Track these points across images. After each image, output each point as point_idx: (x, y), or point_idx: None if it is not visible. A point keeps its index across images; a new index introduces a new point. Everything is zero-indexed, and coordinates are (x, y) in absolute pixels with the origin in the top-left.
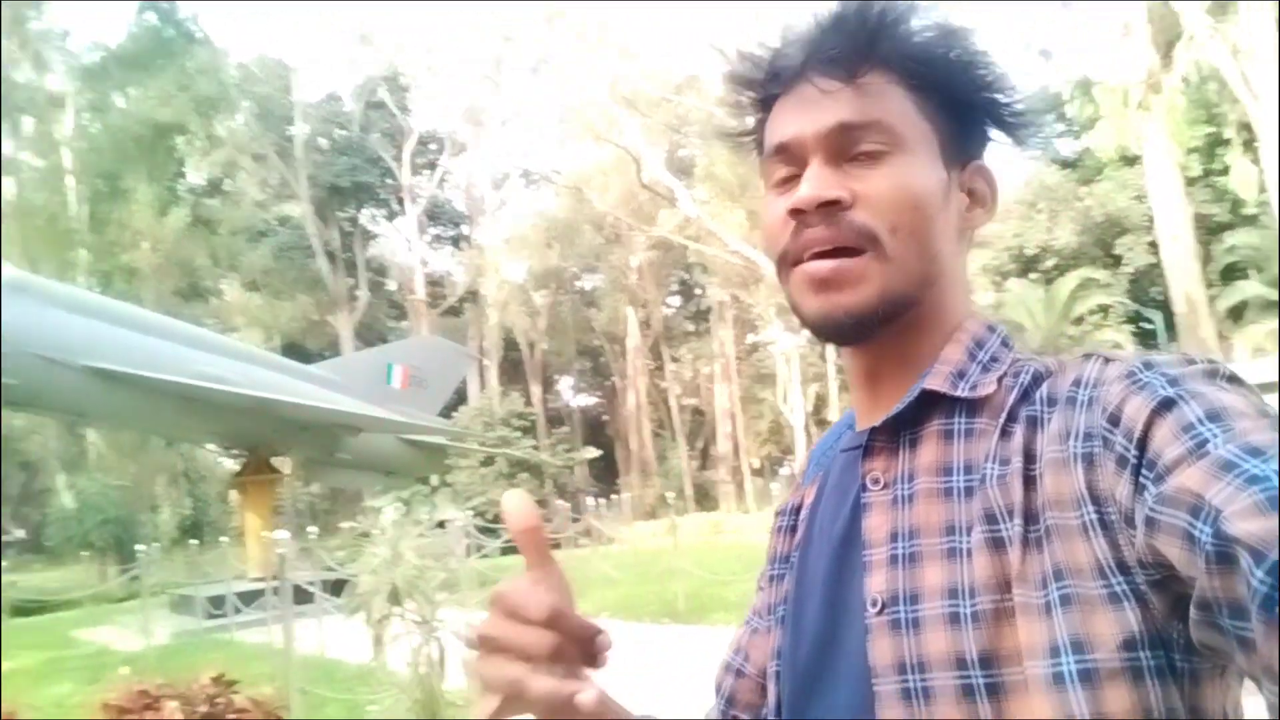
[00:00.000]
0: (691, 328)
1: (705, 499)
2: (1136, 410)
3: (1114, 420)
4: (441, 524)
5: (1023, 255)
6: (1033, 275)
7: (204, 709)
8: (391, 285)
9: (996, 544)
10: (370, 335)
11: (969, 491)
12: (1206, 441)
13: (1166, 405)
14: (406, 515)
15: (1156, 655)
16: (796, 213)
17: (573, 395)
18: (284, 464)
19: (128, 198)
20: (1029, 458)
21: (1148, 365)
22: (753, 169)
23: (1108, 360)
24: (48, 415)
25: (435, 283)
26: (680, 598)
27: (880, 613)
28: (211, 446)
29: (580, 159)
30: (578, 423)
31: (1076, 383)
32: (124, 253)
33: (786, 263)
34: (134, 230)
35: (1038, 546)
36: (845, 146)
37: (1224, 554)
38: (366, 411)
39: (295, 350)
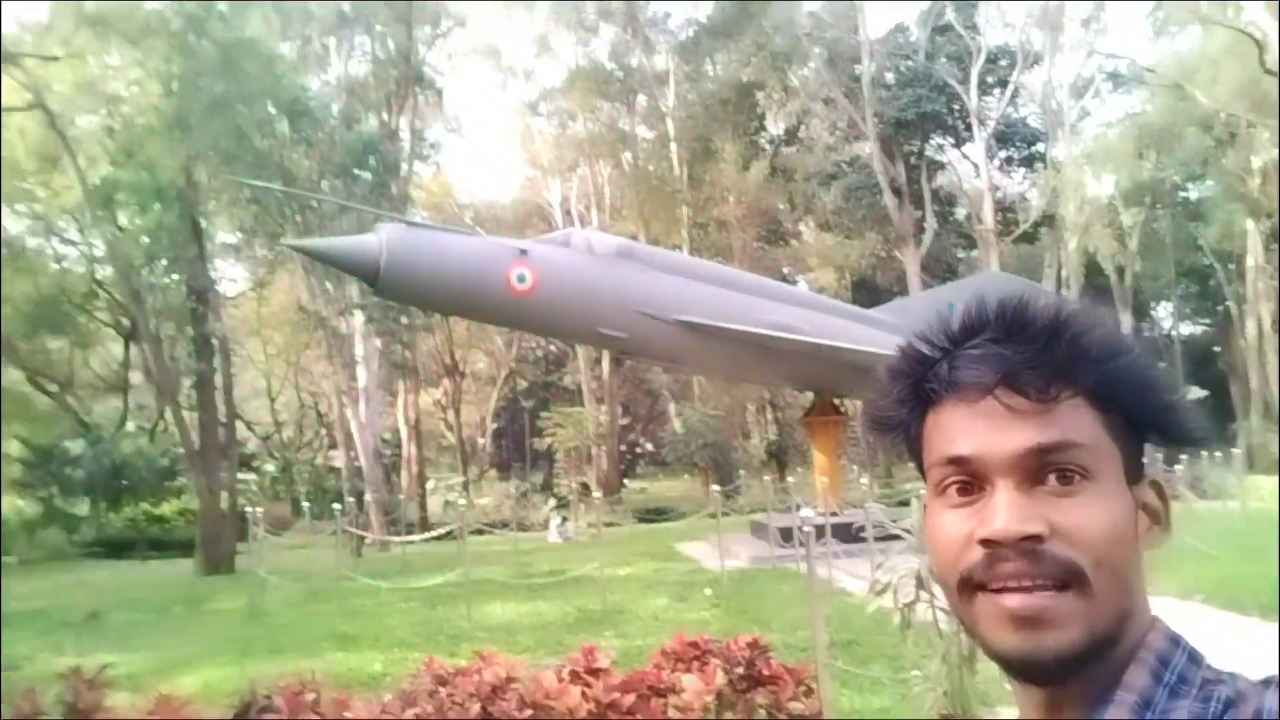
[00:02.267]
0: None
1: None
2: None
3: None
4: None
5: None
6: None
7: (740, 670)
8: (960, 214)
9: None
10: (938, 267)
11: None
12: None
13: None
14: None
15: None
16: (989, 542)
17: (1173, 324)
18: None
19: (717, 157)
20: None
21: None
22: None
23: None
24: (650, 361)
25: (1006, 209)
26: None
27: None
28: None
29: (1181, 51)
30: (1179, 356)
31: (1257, 715)
32: (715, 206)
33: (970, 586)
34: (722, 186)
35: None
36: (1037, 470)
37: None
38: None
39: (865, 286)
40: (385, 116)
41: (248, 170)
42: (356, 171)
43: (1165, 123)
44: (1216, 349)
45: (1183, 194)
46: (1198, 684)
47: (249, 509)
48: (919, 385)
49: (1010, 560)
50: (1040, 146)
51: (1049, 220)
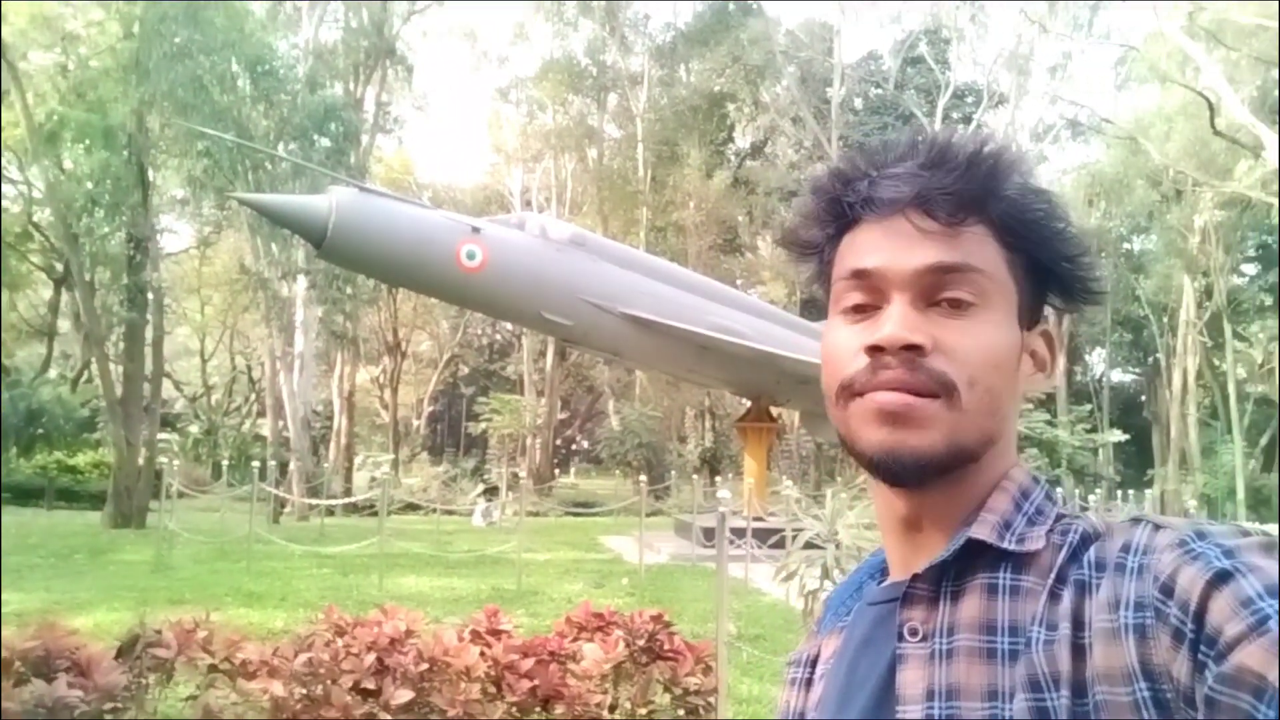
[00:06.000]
0: (1269, 301)
1: (1263, 507)
2: (1190, 581)
3: (1167, 591)
4: None
5: None
6: None
7: (642, 642)
8: None
9: (1041, 714)
10: None
11: (1013, 655)
12: (1268, 618)
13: (1223, 577)
14: None
15: None
16: (875, 349)
17: (1103, 370)
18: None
19: (682, 162)
20: (1077, 624)
21: (1200, 535)
22: None
23: (1158, 527)
24: (592, 352)
25: None
26: None
27: None
28: None
29: (1139, 105)
30: (1106, 401)
31: (1126, 548)
32: (675, 211)
33: (849, 393)
34: (684, 191)
35: None
36: (932, 289)
37: None
38: None
39: (814, 305)
40: (351, 86)
41: (203, 122)
42: (316, 136)
43: (1117, 174)
44: (1143, 398)
45: (1126, 245)
46: (1053, 518)
47: (165, 462)
48: (838, 203)
49: (891, 369)
50: None
51: None
